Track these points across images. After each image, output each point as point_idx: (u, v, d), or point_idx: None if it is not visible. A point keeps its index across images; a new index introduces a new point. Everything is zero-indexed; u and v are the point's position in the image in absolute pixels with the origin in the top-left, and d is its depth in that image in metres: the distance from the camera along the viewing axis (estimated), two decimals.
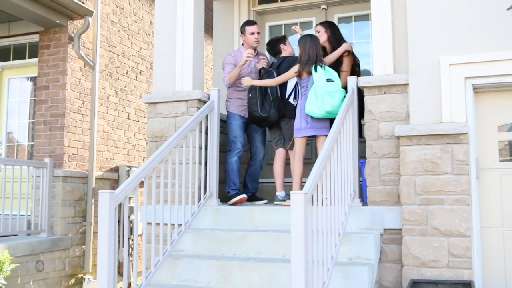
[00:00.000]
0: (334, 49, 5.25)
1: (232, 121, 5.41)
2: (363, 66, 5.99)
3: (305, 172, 4.92)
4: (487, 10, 4.22)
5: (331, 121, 4.58)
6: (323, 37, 5.32)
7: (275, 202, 5.07)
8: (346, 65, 5.18)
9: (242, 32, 5.56)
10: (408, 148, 4.28)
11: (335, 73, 4.72)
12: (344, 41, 5.32)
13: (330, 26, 5.40)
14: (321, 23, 5.45)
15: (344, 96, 4.54)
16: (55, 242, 6.64)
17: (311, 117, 4.68)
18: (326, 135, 4.77)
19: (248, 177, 5.59)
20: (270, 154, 6.12)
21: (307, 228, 2.98)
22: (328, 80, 4.59)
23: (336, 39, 5.34)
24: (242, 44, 5.60)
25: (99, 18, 7.59)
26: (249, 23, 5.57)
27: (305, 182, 5.07)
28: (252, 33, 5.46)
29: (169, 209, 4.22)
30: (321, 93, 4.54)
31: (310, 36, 4.92)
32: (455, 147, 4.16)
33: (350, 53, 5.23)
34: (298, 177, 4.81)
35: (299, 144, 4.84)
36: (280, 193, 5.08)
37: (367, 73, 5.83)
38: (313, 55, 4.74)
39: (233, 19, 6.54)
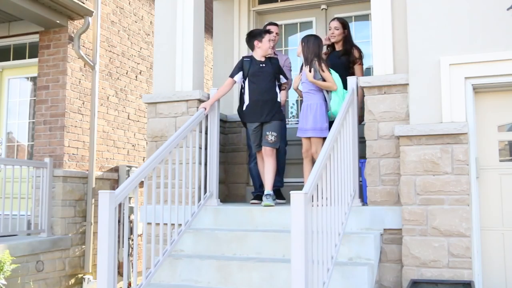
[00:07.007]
0: (346, 51, 5.26)
1: (247, 127, 5.22)
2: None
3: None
4: (487, 10, 4.22)
5: None
6: (340, 36, 5.32)
7: None
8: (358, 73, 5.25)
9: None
10: (408, 148, 4.28)
11: None
12: (356, 46, 5.34)
13: (348, 26, 5.39)
14: (341, 21, 5.38)
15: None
16: (55, 242, 6.64)
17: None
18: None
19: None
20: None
21: (307, 228, 2.98)
22: None
23: (350, 42, 5.35)
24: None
25: (99, 18, 7.59)
26: (270, 23, 5.48)
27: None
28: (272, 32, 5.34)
29: (169, 209, 4.21)
30: (341, 94, 4.76)
31: (315, 36, 4.96)
32: (455, 147, 4.16)
33: (361, 60, 5.30)
34: None
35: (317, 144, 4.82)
36: None
37: (367, 73, 5.82)
38: (315, 53, 4.82)
39: (233, 19, 6.53)
